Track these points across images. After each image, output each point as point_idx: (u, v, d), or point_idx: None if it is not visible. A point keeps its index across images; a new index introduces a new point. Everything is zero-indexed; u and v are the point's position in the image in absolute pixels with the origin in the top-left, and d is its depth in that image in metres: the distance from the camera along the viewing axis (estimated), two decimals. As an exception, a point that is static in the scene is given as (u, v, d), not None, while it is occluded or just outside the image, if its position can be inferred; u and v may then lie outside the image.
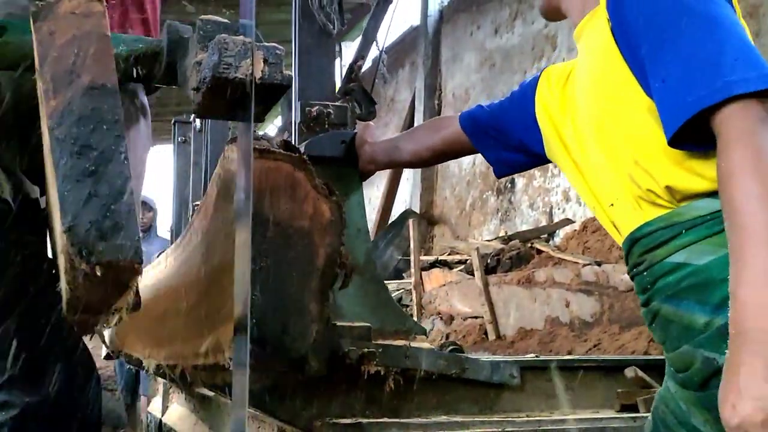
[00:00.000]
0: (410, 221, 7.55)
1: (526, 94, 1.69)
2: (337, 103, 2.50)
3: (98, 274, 1.09)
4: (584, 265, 5.07)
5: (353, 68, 2.82)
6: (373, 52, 3.14)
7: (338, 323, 1.98)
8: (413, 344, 2.18)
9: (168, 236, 5.54)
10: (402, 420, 2.01)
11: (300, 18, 2.60)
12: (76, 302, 1.19)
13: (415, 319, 6.62)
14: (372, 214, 12.22)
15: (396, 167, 7.97)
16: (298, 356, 1.64)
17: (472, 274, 5.99)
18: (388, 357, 2.03)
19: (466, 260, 7.03)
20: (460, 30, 10.11)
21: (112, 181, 1.14)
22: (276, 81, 1.44)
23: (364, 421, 1.98)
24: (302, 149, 2.23)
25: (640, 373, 2.39)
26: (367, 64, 3.11)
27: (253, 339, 1.42)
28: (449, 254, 8.02)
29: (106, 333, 4.37)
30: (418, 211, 10.04)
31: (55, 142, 1.15)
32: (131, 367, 3.62)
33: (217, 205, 1.70)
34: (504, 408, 2.27)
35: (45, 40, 1.22)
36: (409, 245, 7.26)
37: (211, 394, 2.96)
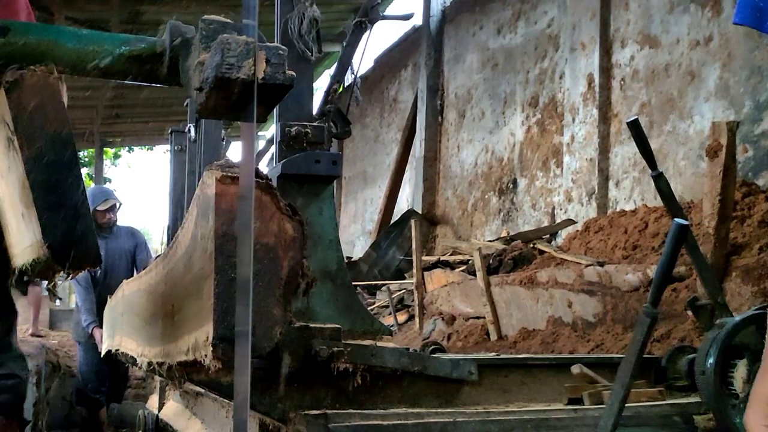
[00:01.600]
0: (412, 221, 7.54)
1: None
2: (314, 124, 2.74)
3: (69, 272, 1.61)
4: (587, 266, 5.05)
5: (329, 92, 3.07)
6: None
7: (311, 325, 2.21)
8: (379, 344, 2.42)
9: (127, 224, 6.21)
10: (364, 411, 2.19)
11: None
12: (30, 278, 1.73)
13: (417, 319, 6.62)
14: (374, 215, 12.22)
15: None
16: (264, 354, 1.82)
17: (474, 275, 5.98)
18: (356, 355, 2.25)
19: (468, 260, 7.01)
20: (462, 30, 10.09)
21: (75, 208, 1.61)
22: (278, 81, 1.45)
23: (330, 411, 2.17)
24: (281, 168, 2.60)
25: (585, 370, 2.59)
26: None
27: (225, 338, 1.68)
28: (451, 254, 8.01)
29: (105, 333, 4.55)
30: (420, 212, 10.04)
31: (33, 183, 1.59)
32: (125, 363, 3.70)
33: (196, 223, 1.95)
34: (463, 401, 2.48)
35: (16, 107, 1.63)
36: (411, 245, 7.25)
37: (202, 390, 3.13)
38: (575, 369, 2.59)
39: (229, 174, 1.72)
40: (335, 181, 2.67)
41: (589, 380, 2.58)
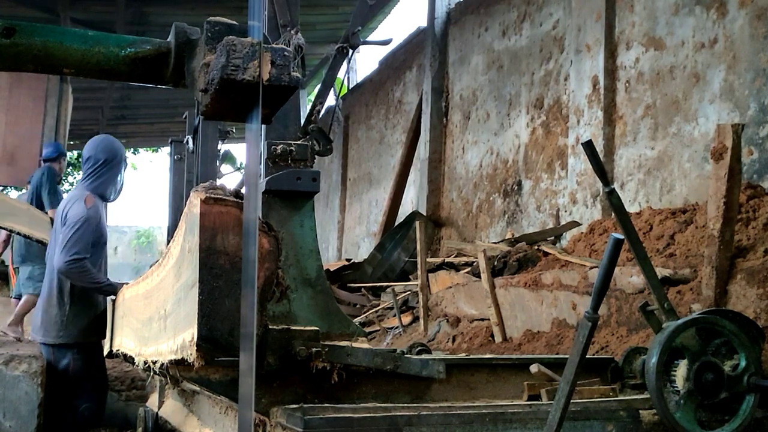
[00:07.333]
0: (417, 223, 7.54)
1: None
2: (299, 142, 2.94)
3: None
4: (591, 268, 5.04)
5: (312, 112, 3.23)
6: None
7: (292, 327, 2.43)
8: (354, 345, 2.64)
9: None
10: (337, 405, 2.40)
11: None
12: None
13: (421, 320, 6.62)
14: (379, 216, 12.22)
15: None
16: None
17: (479, 277, 5.98)
18: (333, 355, 2.47)
19: (473, 262, 7.01)
20: (467, 32, 10.09)
21: None
22: (284, 82, 1.45)
23: (306, 405, 2.37)
24: (266, 184, 2.81)
25: (543, 369, 2.78)
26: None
27: (208, 339, 1.90)
28: (456, 256, 8.01)
29: (108, 335, 4.63)
30: (424, 213, 10.03)
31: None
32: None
33: (185, 237, 2.16)
34: (433, 398, 2.67)
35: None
36: (416, 247, 7.25)
37: (198, 388, 3.31)
38: (533, 368, 2.78)
39: (212, 195, 1.97)
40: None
41: (547, 378, 2.76)
